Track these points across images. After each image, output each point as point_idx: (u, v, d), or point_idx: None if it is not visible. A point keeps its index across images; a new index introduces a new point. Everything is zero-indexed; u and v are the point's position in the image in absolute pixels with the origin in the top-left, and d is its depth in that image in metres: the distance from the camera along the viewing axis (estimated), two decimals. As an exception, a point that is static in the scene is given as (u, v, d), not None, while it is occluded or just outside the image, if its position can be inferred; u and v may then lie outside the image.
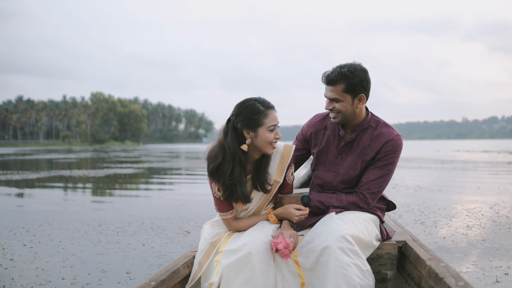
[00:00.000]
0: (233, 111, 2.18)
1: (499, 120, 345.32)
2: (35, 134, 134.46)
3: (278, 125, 2.18)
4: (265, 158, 2.25)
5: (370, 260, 2.25)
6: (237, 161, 2.15)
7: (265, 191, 2.26)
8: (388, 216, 3.07)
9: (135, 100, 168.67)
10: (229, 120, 2.20)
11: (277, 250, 2.00)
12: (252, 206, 2.31)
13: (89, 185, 11.67)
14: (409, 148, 49.75)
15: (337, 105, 2.27)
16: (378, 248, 2.31)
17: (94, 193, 10.00)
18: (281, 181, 2.31)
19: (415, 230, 5.00)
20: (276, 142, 2.19)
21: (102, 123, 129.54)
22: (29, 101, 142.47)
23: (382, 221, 2.40)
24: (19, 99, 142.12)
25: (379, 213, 2.39)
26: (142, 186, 11.55)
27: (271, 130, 2.14)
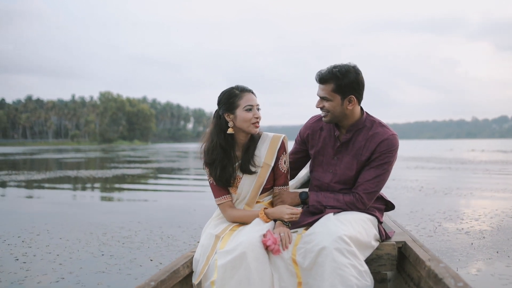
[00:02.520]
0: (217, 100, 2.33)
1: (509, 119, 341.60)
2: (44, 134, 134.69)
3: (258, 106, 2.30)
4: (252, 142, 2.34)
5: (369, 260, 2.24)
6: (221, 144, 2.30)
7: (249, 171, 2.30)
8: (388, 216, 3.05)
9: (144, 100, 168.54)
10: (216, 111, 2.36)
11: (267, 248, 2.03)
12: (245, 192, 2.35)
13: (95, 187, 11.13)
14: (422, 148, 48.90)
15: (326, 104, 2.27)
16: (378, 248, 2.29)
17: (100, 196, 9.45)
18: (272, 164, 2.33)
19: (461, 242, 4.36)
20: (257, 121, 2.28)
21: (110, 122, 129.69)
22: (38, 101, 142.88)
23: (380, 222, 2.38)
24: (29, 98, 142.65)
25: (377, 214, 2.37)
26: (151, 188, 10.98)
27: (248, 110, 2.25)
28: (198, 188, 10.68)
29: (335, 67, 2.24)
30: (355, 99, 2.25)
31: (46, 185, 11.33)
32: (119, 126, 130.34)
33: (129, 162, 23.58)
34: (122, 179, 13.01)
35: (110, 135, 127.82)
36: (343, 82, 2.21)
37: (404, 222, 5.40)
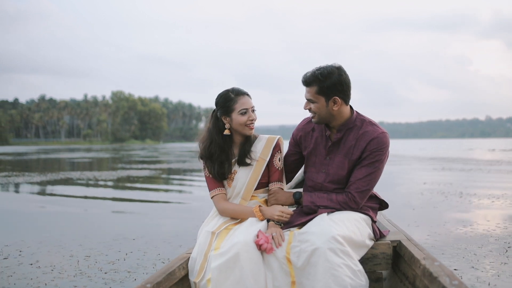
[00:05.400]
0: (215, 102, 2.46)
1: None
2: (57, 133, 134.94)
3: (253, 108, 2.44)
4: (248, 142, 2.47)
5: (364, 260, 2.22)
6: (219, 143, 2.43)
7: (245, 164, 2.42)
8: (383, 215, 3.00)
9: (156, 99, 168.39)
10: (214, 110, 2.49)
11: (260, 247, 2.03)
12: (240, 185, 2.42)
13: (94, 192, 10.21)
14: (439, 148, 47.54)
15: (312, 106, 2.31)
16: (373, 247, 2.27)
17: (97, 204, 8.42)
18: (267, 159, 2.44)
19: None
20: (252, 123, 2.41)
21: (122, 121, 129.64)
22: (51, 100, 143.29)
23: (374, 221, 2.36)
24: (42, 98, 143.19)
25: (371, 213, 2.36)
26: (156, 195, 9.97)
27: (243, 113, 2.38)
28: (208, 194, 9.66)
29: (318, 69, 2.26)
30: (340, 100, 2.26)
31: (42, 188, 10.44)
32: (131, 126, 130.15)
33: (137, 162, 22.69)
34: (127, 181, 12.05)
35: (122, 135, 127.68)
36: (325, 84, 2.23)
37: (463, 245, 4.32)
